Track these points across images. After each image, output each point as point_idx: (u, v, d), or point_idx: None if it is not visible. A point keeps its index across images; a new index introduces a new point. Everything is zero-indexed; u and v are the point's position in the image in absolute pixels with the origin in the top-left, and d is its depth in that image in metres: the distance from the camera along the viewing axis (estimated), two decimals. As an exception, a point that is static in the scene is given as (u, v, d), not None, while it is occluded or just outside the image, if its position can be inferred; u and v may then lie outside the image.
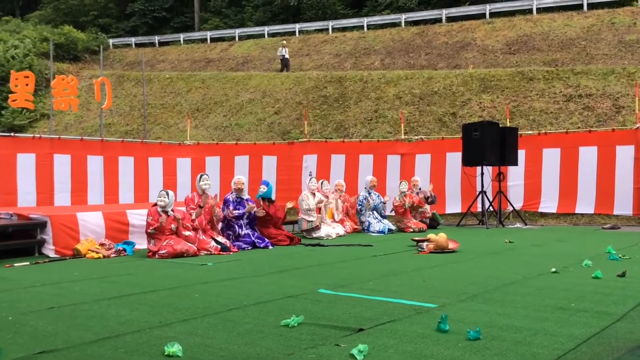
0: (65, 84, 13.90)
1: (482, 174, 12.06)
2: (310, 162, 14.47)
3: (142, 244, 8.58)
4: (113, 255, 8.16)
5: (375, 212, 11.52)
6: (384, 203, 11.75)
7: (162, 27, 36.17)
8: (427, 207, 12.32)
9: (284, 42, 25.26)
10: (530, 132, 13.76)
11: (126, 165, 13.25)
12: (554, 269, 6.04)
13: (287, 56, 24.10)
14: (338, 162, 14.29)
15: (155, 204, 8.25)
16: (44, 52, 26.64)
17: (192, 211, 8.62)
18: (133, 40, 34.27)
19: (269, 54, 27.65)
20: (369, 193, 11.61)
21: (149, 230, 8.03)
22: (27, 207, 10.71)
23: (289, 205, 10.19)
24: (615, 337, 3.51)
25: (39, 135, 12.83)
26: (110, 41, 33.89)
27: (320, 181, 11.54)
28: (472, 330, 3.50)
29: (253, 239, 9.06)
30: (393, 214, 11.95)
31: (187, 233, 8.26)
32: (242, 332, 3.70)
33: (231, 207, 9.20)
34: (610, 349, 3.28)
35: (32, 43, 27.67)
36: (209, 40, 31.80)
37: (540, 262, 6.77)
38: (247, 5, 34.37)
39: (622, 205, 12.00)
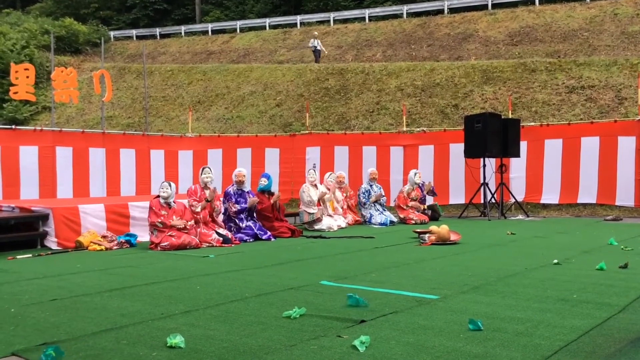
0: (64, 76, 13.88)
1: (484, 165, 12.04)
2: (313, 154, 14.45)
3: (144, 236, 8.60)
4: (115, 247, 8.18)
5: (377, 204, 11.52)
6: (384, 195, 11.76)
7: (163, 19, 36.11)
8: (430, 199, 12.35)
9: (315, 33, 24.43)
10: (532, 123, 13.73)
11: (128, 157, 13.25)
12: (555, 261, 6.03)
13: (319, 47, 23.34)
14: (341, 153, 14.28)
15: (158, 196, 8.25)
16: (45, 44, 26.62)
17: (194, 202, 8.63)
18: (134, 32, 34.21)
19: (270, 45, 27.59)
20: (370, 185, 11.62)
21: (156, 222, 7.99)
22: (30, 199, 10.73)
23: (275, 198, 9.89)
24: (617, 329, 3.50)
25: (40, 128, 12.83)
26: (112, 33, 33.85)
27: (328, 173, 11.57)
28: (474, 322, 3.49)
29: (255, 230, 9.07)
30: (393, 204, 11.95)
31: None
32: (244, 324, 3.71)
33: (232, 200, 9.19)
34: (612, 340, 3.28)
35: (32, 35, 27.63)
36: (210, 32, 31.74)
37: (542, 253, 6.77)
38: (248, -3, 34.31)
39: (624, 197, 11.98)
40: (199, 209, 8.53)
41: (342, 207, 11.56)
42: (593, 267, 5.60)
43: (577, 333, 3.40)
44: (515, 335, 3.36)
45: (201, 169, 9.00)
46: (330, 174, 11.61)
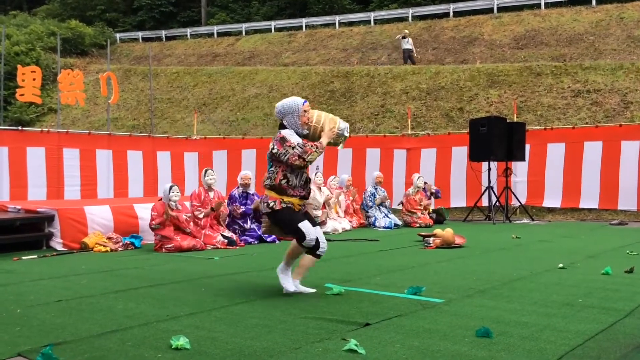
0: (71, 79, 13.94)
1: (490, 169, 12.03)
2: (317, 156, 14.44)
3: (149, 238, 8.61)
4: (120, 248, 8.21)
5: (381, 207, 11.53)
6: (388, 198, 11.78)
7: (168, 22, 36.19)
8: (432, 201, 12.33)
9: (406, 31, 22.43)
10: (537, 127, 13.71)
11: (135, 159, 13.31)
12: (561, 265, 6.02)
13: (409, 47, 21.19)
14: (345, 156, 14.28)
15: (161, 198, 8.28)
16: (51, 46, 26.72)
17: (199, 208, 8.61)
18: (140, 34, 34.29)
19: (275, 48, 27.62)
20: (375, 188, 11.63)
21: (152, 225, 8.05)
22: (36, 200, 10.77)
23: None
24: (622, 333, 3.49)
25: (47, 129, 12.88)
26: (117, 35, 33.92)
27: (332, 177, 11.56)
28: (483, 329, 3.47)
29: (259, 232, 9.07)
30: (400, 207, 11.91)
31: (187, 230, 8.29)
32: (248, 326, 3.71)
33: (237, 203, 9.19)
34: (618, 345, 3.27)
35: (39, 37, 27.74)
36: (215, 35, 31.80)
37: (547, 257, 6.76)
38: (254, -1, 34.37)
39: (627, 201, 11.95)
40: (201, 216, 8.51)
41: (344, 211, 11.55)
42: (599, 272, 5.58)
43: (582, 338, 3.39)
44: (521, 340, 3.35)
45: (204, 171, 9.00)
46: (334, 178, 11.59)
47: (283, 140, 4.62)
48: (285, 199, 4.65)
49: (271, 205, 4.65)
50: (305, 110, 4.71)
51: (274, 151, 4.65)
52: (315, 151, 4.60)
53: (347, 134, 4.96)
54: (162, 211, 8.06)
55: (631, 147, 11.90)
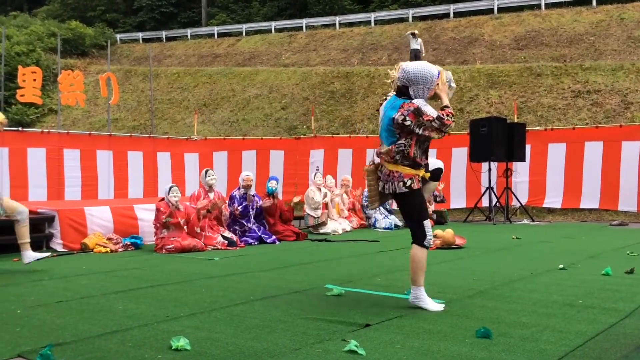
0: (71, 79, 13.92)
1: (490, 169, 12.03)
2: (317, 157, 14.47)
3: (149, 239, 8.61)
4: (120, 249, 8.21)
5: (381, 208, 11.51)
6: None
7: (169, 22, 36.22)
8: (432, 207, 12.30)
9: (416, 31, 20.61)
10: (538, 128, 13.71)
11: (135, 160, 13.30)
12: (561, 266, 6.02)
13: (417, 47, 19.83)
14: (345, 156, 14.28)
15: (163, 199, 8.28)
16: (51, 47, 26.74)
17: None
18: (140, 35, 34.32)
19: (275, 49, 27.63)
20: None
21: (162, 219, 7.99)
22: (36, 201, 10.77)
23: (295, 200, 10.21)
24: (623, 334, 3.49)
25: (47, 130, 12.87)
26: (118, 36, 33.96)
27: (328, 176, 11.56)
28: (483, 330, 3.47)
29: (259, 233, 9.08)
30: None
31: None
32: (249, 327, 3.71)
33: (236, 204, 9.19)
34: (618, 345, 3.26)
35: (39, 38, 27.77)
36: (216, 36, 31.83)
37: (547, 258, 6.75)
38: (254, 0, 34.37)
39: (627, 202, 11.95)
40: (199, 217, 8.49)
41: (346, 211, 11.55)
42: (599, 272, 5.58)
43: (583, 338, 3.38)
44: (521, 340, 3.35)
45: (204, 172, 9.00)
46: (328, 177, 11.55)
47: (418, 112, 4.10)
48: (420, 173, 4.27)
49: (408, 184, 4.19)
50: (437, 84, 4.23)
51: (407, 123, 4.11)
52: (453, 120, 4.20)
53: (454, 85, 4.48)
54: (167, 210, 8.06)
55: (632, 148, 11.91)
